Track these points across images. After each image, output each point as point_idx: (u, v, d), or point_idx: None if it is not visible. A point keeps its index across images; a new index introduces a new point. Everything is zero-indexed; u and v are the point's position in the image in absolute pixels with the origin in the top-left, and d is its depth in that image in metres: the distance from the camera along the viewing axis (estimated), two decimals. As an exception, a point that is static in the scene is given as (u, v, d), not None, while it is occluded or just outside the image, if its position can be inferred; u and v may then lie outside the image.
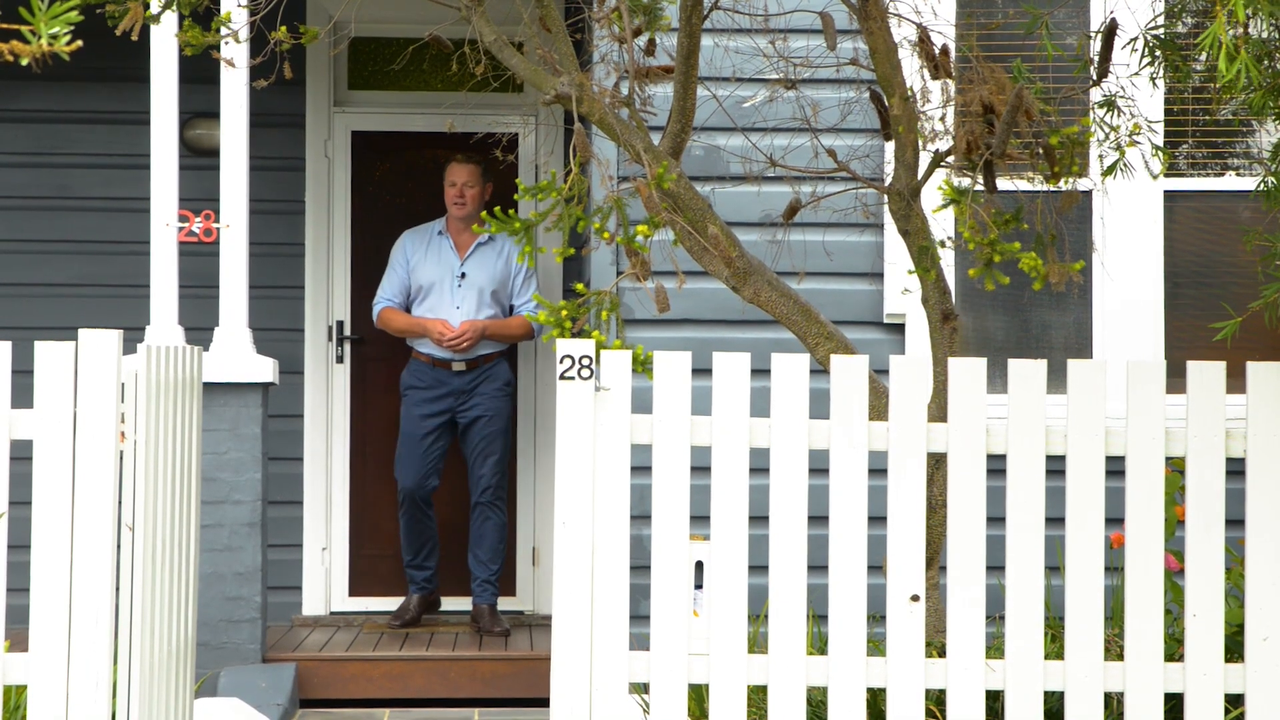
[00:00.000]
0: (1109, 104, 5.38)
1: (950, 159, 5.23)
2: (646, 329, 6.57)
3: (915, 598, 4.64)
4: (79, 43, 2.24)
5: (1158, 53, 5.30)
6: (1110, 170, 5.47)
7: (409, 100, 8.40)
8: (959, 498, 4.67)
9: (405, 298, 7.55)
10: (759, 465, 4.69)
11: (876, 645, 4.73)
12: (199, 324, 7.29)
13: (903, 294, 6.58)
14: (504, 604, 8.19)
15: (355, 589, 8.29)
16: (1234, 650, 4.75)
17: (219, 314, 7.03)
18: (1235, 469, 4.72)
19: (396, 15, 7.30)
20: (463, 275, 7.47)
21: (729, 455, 4.65)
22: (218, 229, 7.29)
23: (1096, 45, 5.12)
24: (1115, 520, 4.83)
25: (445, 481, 7.77)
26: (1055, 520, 4.74)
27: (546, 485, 8.14)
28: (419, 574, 7.67)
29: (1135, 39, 5.31)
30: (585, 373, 4.59)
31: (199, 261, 7.71)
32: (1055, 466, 4.70)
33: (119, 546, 4.57)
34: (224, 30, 5.33)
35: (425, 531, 7.57)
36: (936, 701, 4.75)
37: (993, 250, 5.13)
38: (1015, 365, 4.70)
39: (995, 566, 4.72)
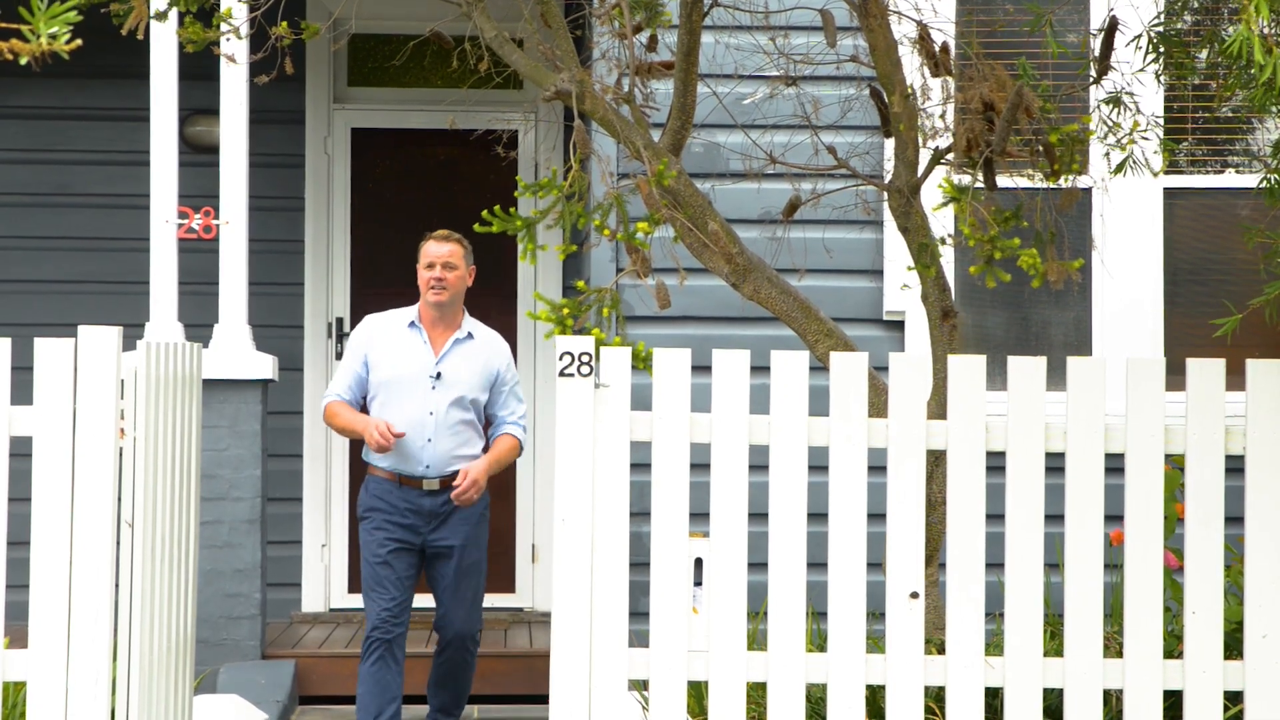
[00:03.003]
0: (1114, 100, 5.38)
1: (950, 156, 5.24)
2: (646, 326, 6.58)
3: (914, 595, 4.65)
4: (78, 41, 2.24)
5: (1160, 49, 5.30)
6: (1120, 168, 5.48)
7: (409, 97, 8.41)
8: (958, 495, 4.68)
9: (359, 395, 6.06)
10: (758, 462, 4.69)
11: (876, 642, 4.73)
12: (199, 321, 7.30)
13: (902, 291, 6.59)
14: (503, 601, 8.21)
15: (355, 586, 8.28)
16: (1233, 648, 4.76)
17: (219, 311, 7.04)
18: (1235, 466, 4.73)
19: (397, 12, 7.30)
20: (438, 375, 5.98)
21: (728, 452, 4.65)
22: (217, 226, 7.30)
23: (1097, 43, 5.13)
24: (1114, 517, 4.84)
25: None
26: (1054, 517, 4.74)
27: (546, 482, 8.14)
28: None
29: (1138, 36, 5.32)
30: (585, 370, 4.60)
31: (199, 258, 7.72)
32: (1055, 464, 4.71)
33: (118, 543, 4.58)
34: (225, 26, 5.34)
35: (390, 689, 5.97)
36: (936, 698, 4.76)
37: (993, 247, 5.14)
38: (1015, 362, 4.70)
39: (994, 564, 4.73)
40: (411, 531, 5.94)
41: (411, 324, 6.04)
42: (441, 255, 6.03)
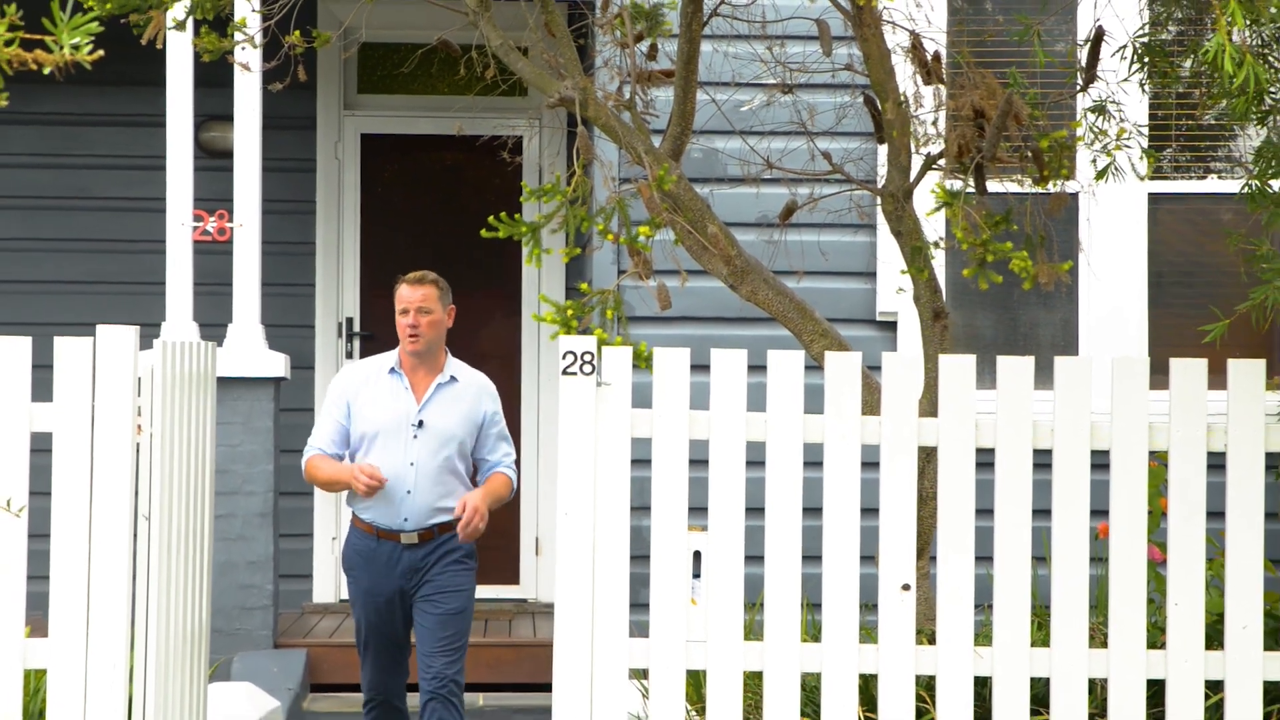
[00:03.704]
0: (1099, 109, 5.39)
1: (942, 162, 5.25)
2: (647, 326, 6.59)
3: (906, 587, 4.66)
4: (100, 52, 2.26)
5: (1145, 59, 5.31)
6: (1102, 174, 5.49)
7: (417, 104, 8.42)
8: (949, 490, 4.68)
9: (342, 448, 5.56)
10: (755, 458, 4.69)
11: (869, 633, 4.74)
12: (213, 320, 7.32)
13: (896, 293, 6.59)
14: (507, 592, 8.22)
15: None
16: (1214, 638, 4.77)
17: (232, 311, 7.06)
18: (1216, 463, 4.73)
19: (405, 21, 7.30)
20: (419, 424, 5.46)
21: (726, 449, 4.66)
22: (231, 228, 7.31)
23: (1084, 52, 5.14)
24: (1100, 512, 4.84)
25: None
26: (1042, 512, 4.75)
27: (549, 476, 8.15)
28: None
29: (1124, 46, 5.33)
30: (587, 369, 4.60)
31: (213, 260, 7.73)
32: (1042, 460, 4.71)
33: (135, 536, 4.59)
34: (239, 35, 5.35)
35: None
36: (926, 687, 4.76)
37: (985, 250, 5.15)
38: (1004, 362, 4.71)
39: (984, 556, 4.73)
40: (392, 583, 5.46)
41: (392, 370, 5.53)
42: (415, 300, 5.46)
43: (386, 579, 5.47)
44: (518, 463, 5.77)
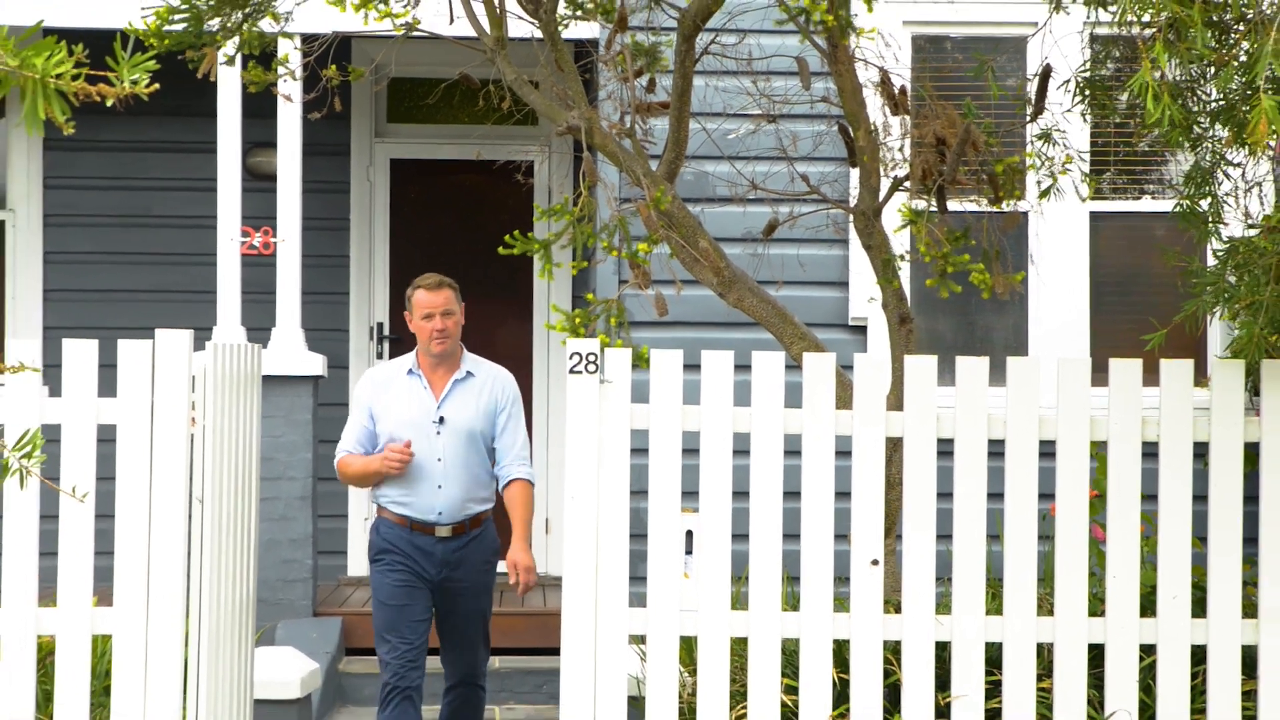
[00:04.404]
0: (1045, 136, 5.39)
1: (908, 184, 5.24)
2: (646, 330, 6.58)
3: (875, 562, 4.65)
4: (156, 85, 2.25)
5: (1087, 92, 5.31)
6: (1045, 194, 5.49)
7: (440, 132, 8.41)
8: (913, 476, 4.68)
9: (370, 449, 5.26)
10: (741, 448, 4.69)
11: (841, 603, 4.74)
12: (258, 325, 7.31)
13: (866, 301, 6.60)
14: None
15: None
16: (1148, 607, 4.77)
17: (275, 316, 7.05)
18: (1150, 451, 4.73)
19: (430, 58, 7.29)
20: (440, 420, 5.19)
21: (715, 439, 4.66)
22: (275, 243, 7.30)
23: (1033, 87, 5.14)
24: (1047, 495, 4.85)
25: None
26: (996, 495, 4.75)
27: (558, 464, 8.15)
28: None
29: (1068, 81, 5.32)
30: (591, 368, 4.60)
31: (258, 271, 7.72)
32: (996, 449, 4.71)
33: (190, 517, 4.59)
34: (282, 70, 5.35)
35: None
36: (893, 651, 4.76)
37: (946, 263, 5.15)
38: (962, 362, 4.71)
39: (944, 535, 4.73)
40: (424, 572, 5.16)
41: (410, 371, 5.26)
42: (439, 304, 5.20)
43: (417, 566, 5.15)
44: (531, 455, 5.57)
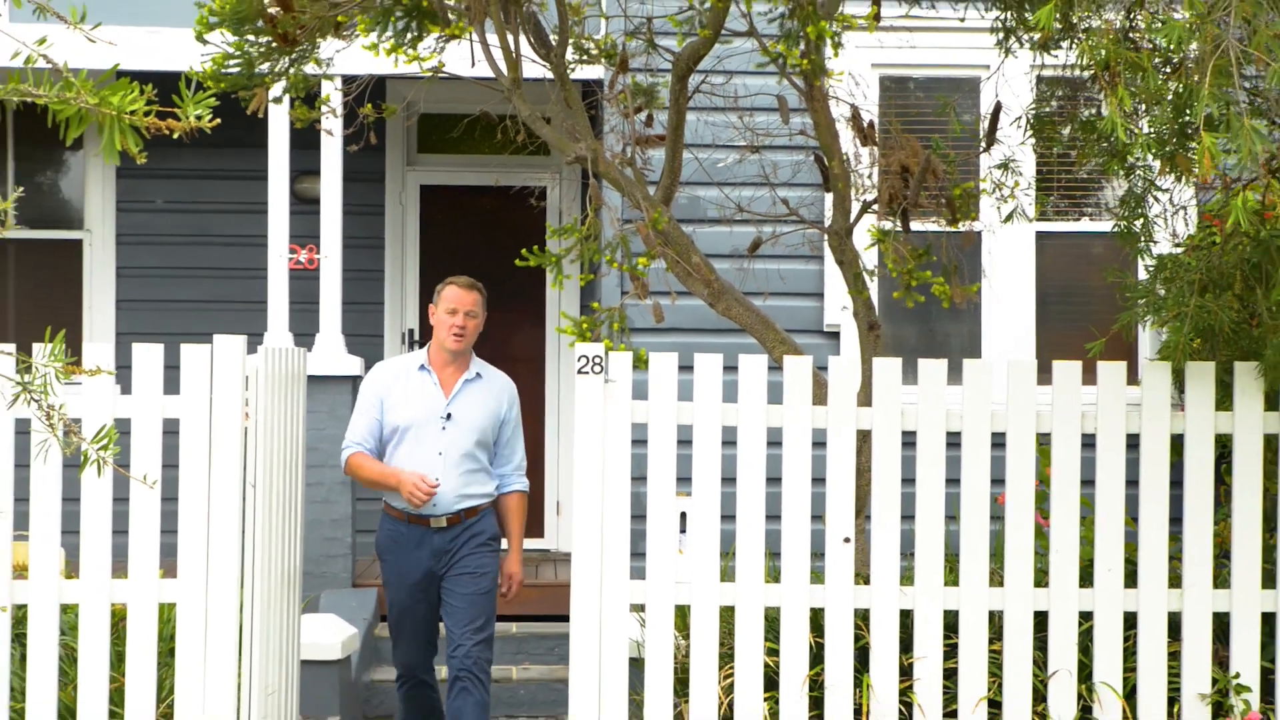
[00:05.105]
0: (1005, 166, 5.40)
1: (876, 207, 5.26)
2: (645, 335, 6.60)
3: (847, 540, 4.67)
4: (217, 120, 2.28)
5: (1034, 126, 5.33)
6: (1009, 218, 5.51)
7: (464, 161, 8.43)
8: (880, 464, 4.70)
9: (378, 442, 4.97)
10: (729, 439, 4.71)
11: (817, 576, 4.75)
12: (304, 331, 7.33)
13: (840, 310, 6.61)
14: (533, 544, 8.21)
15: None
16: (1086, 579, 4.79)
17: (319, 323, 7.06)
18: (1089, 442, 4.75)
19: (455, 96, 7.31)
20: (448, 416, 4.92)
21: (706, 432, 4.67)
22: (318, 259, 7.32)
23: (987, 121, 5.16)
24: (998, 481, 4.86)
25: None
26: (953, 481, 4.77)
27: (567, 454, 8.17)
28: None
29: (1019, 117, 5.35)
30: (597, 369, 4.62)
31: (304, 284, 7.74)
32: (953, 441, 4.73)
33: (244, 500, 4.60)
34: (325, 108, 5.37)
35: (429, 705, 5.13)
36: (863, 618, 4.78)
37: (910, 276, 5.16)
38: (923, 364, 4.73)
39: (908, 516, 4.75)
40: (422, 564, 4.92)
41: (422, 367, 4.99)
42: (466, 303, 4.93)
43: (417, 561, 4.90)
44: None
